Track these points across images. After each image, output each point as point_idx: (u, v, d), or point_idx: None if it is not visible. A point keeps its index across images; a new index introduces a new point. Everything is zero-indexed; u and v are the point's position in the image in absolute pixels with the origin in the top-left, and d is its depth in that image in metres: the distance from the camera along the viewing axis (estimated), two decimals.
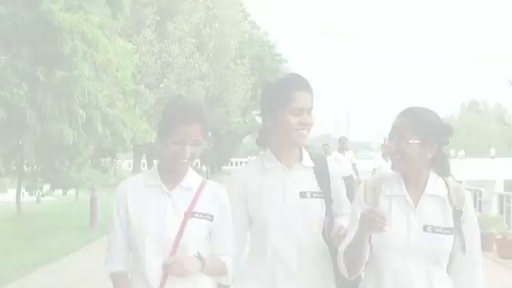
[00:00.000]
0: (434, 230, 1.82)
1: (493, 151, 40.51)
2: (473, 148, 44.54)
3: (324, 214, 1.96)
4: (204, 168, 28.82)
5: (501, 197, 9.26)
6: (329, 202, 1.97)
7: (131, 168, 26.66)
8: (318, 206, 1.96)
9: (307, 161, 2.02)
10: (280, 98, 1.95)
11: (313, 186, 1.98)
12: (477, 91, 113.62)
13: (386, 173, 2.04)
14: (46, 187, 13.04)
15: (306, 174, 2.00)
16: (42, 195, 12.70)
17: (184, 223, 1.86)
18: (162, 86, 22.40)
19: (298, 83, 1.99)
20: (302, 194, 1.95)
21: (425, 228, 1.83)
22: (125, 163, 30.00)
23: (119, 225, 1.93)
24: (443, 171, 1.91)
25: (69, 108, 7.49)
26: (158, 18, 21.73)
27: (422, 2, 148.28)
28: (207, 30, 22.63)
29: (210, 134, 1.97)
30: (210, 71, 22.65)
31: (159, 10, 22.07)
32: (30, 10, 6.87)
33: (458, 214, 1.85)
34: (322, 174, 2.01)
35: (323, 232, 1.98)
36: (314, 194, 1.96)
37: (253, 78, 27.17)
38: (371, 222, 1.69)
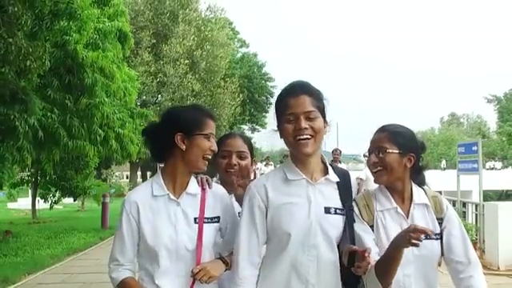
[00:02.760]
0: (426, 236, 1.79)
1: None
2: (451, 160, 46.24)
3: (342, 230, 1.88)
4: None
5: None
6: (350, 218, 1.89)
7: (128, 179, 28.10)
8: (339, 222, 1.87)
9: (332, 175, 1.94)
10: (278, 109, 1.91)
11: (336, 201, 1.89)
12: (458, 106, 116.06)
13: (372, 189, 2.04)
14: (57, 195, 14.43)
15: (330, 189, 1.91)
16: (55, 202, 14.15)
17: (200, 230, 1.90)
18: (157, 101, 23.49)
19: (291, 89, 1.90)
20: (327, 210, 1.86)
21: None
22: (122, 174, 31.75)
23: (130, 233, 1.91)
24: (420, 182, 2.00)
25: (90, 128, 8.70)
26: (154, 41, 22.64)
27: (403, 19, 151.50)
28: (199, 52, 23.27)
29: None
30: (202, 89, 23.38)
31: (155, 33, 22.93)
32: (59, 49, 7.96)
33: (439, 222, 1.92)
34: (345, 189, 1.92)
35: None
36: (337, 211, 1.88)
37: (241, 95, 27.94)
38: (411, 237, 1.63)
